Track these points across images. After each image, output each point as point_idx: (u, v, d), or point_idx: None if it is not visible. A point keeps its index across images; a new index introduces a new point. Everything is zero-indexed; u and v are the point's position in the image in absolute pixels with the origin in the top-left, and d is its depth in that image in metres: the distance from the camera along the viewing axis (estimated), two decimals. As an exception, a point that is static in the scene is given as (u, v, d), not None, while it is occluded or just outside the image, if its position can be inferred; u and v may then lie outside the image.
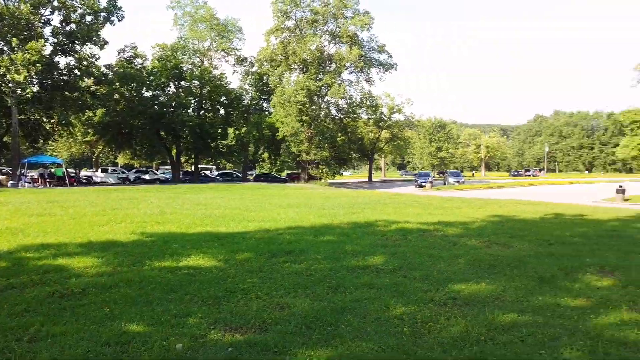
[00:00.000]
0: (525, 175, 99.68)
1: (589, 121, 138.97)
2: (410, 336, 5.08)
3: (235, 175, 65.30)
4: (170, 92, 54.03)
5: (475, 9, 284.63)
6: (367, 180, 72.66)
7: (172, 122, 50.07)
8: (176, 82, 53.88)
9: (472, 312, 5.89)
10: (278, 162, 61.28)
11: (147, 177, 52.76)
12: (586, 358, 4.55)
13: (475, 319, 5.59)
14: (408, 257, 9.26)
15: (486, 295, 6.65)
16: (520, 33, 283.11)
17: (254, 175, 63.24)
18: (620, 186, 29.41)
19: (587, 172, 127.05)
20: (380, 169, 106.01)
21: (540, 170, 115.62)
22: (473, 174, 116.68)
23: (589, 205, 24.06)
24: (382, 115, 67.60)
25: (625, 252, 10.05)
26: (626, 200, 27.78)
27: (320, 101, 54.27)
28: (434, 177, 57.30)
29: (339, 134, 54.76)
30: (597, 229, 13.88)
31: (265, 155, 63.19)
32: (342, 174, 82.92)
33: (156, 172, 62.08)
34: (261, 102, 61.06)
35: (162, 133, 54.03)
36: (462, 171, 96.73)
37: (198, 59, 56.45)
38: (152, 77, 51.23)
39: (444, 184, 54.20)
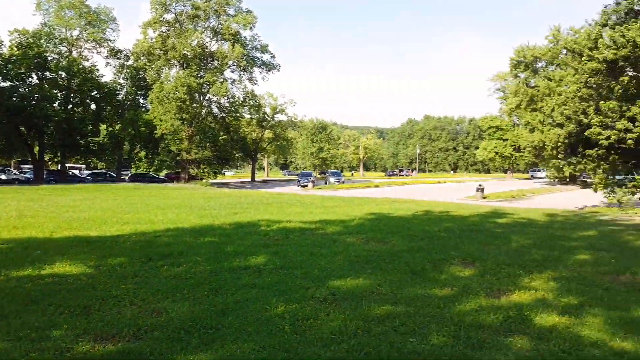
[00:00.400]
0: (400, 175, 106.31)
1: (454, 125, 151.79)
2: (292, 334, 5.13)
3: (108, 175, 61.05)
4: (32, 84, 48.86)
5: (360, 12, 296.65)
6: (250, 180, 72.25)
7: (34, 117, 45.24)
8: (39, 73, 48.83)
9: (350, 306, 6.11)
10: (156, 162, 58.43)
11: (3, 176, 47.30)
12: (450, 342, 4.95)
13: (353, 313, 5.82)
14: (290, 255, 9.36)
15: (363, 289, 6.94)
16: (398, 38, 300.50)
17: (130, 175, 59.58)
18: (480, 185, 32.59)
19: (452, 172, 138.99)
20: (264, 168, 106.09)
21: (412, 171, 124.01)
22: (352, 173, 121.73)
23: (454, 203, 26.31)
24: (265, 115, 67.64)
25: (484, 244, 11.14)
26: (484, 197, 30.81)
27: (201, 99, 52.77)
28: (315, 176, 58.70)
29: (221, 133, 53.63)
30: (461, 224, 15.22)
31: (142, 154, 59.89)
32: (224, 173, 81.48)
33: (16, 171, 55.88)
34: (137, 97, 57.78)
35: (22, 128, 48.64)
36: (342, 171, 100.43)
37: (66, 49, 51.78)
38: (9, 66, 45.94)
39: (325, 183, 55.70)
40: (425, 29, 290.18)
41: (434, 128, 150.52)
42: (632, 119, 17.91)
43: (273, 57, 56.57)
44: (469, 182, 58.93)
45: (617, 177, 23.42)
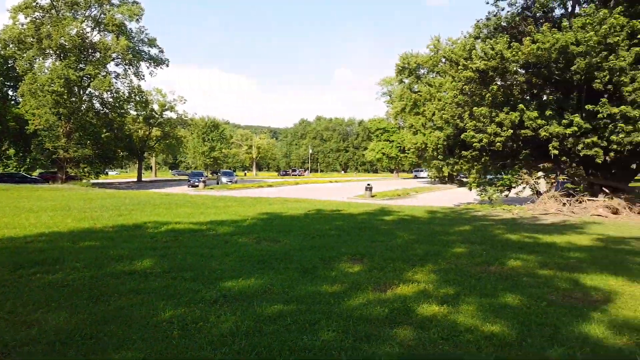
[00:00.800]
0: (293, 175, 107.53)
1: (345, 127, 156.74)
2: (180, 339, 4.95)
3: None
4: None
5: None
6: (136, 180, 68.61)
7: None
8: None
9: (241, 307, 6.04)
10: (28, 160, 53.27)
11: None
12: (340, 336, 5.09)
13: (245, 314, 5.75)
14: (179, 258, 9.03)
15: (255, 289, 6.90)
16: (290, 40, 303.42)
17: (-6, 175, 53.70)
18: (369, 184, 34.03)
19: (343, 172, 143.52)
20: (151, 168, 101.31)
21: (305, 170, 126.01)
22: (245, 173, 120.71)
23: (344, 202, 27.15)
24: (153, 112, 64.69)
25: (372, 240, 11.63)
26: (373, 196, 32.21)
27: (81, 93, 48.99)
28: (207, 176, 57.30)
29: (104, 130, 50.16)
30: (351, 222, 15.75)
31: (11, 151, 54.28)
32: (107, 173, 76.58)
33: None
34: (5, 89, 52.23)
35: None
36: (234, 171, 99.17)
37: None
38: None
39: (217, 183, 54.63)
40: (320, 32, 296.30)
41: (325, 129, 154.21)
42: (500, 124, 19.77)
43: (161, 51, 54.38)
44: (359, 182, 61.22)
45: (488, 176, 25.77)
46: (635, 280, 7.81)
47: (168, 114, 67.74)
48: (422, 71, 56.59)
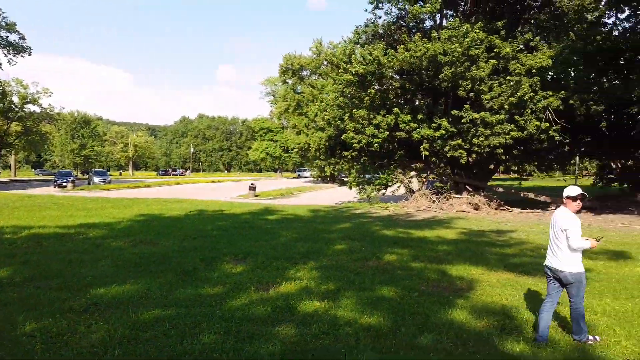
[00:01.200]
0: (173, 175, 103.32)
1: (228, 126, 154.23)
2: (43, 353, 4.52)
3: None
4: None
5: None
6: (-9, 180, 61.24)
7: None
8: None
9: (115, 314, 5.67)
10: None
11: None
12: (222, 338, 5.00)
13: (119, 321, 5.41)
14: (43, 265, 8.24)
15: (131, 295, 6.52)
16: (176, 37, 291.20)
17: None
18: (252, 184, 33.86)
19: (226, 171, 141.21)
20: (10, 167, 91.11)
21: (186, 170, 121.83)
22: (120, 173, 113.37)
23: (227, 202, 26.73)
24: (12, 105, 58.17)
25: (255, 240, 11.59)
26: (257, 196, 32.10)
27: None
28: (77, 176, 52.89)
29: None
30: (233, 222, 15.55)
31: None
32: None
33: None
34: None
35: None
36: (108, 170, 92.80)
37: None
38: None
39: (89, 183, 50.66)
40: (201, 27, 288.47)
41: (208, 127, 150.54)
42: (377, 126, 20.83)
43: (22, 38, 49.04)
44: (242, 182, 60.67)
45: (367, 176, 27.02)
46: (492, 268, 8.69)
47: (31, 108, 61.38)
48: (305, 72, 57.60)
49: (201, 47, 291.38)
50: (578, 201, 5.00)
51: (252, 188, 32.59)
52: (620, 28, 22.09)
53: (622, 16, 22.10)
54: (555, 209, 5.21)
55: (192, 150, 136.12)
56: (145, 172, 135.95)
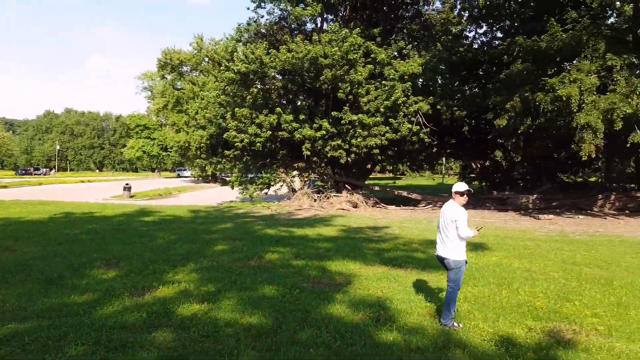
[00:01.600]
0: (35, 174, 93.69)
1: (100, 122, 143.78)
2: None
3: None
4: None
5: None
6: None
7: None
8: None
9: (-39, 332, 5.00)
10: None
11: None
12: (90, 349, 4.64)
13: (-34, 339, 4.78)
14: None
15: (-19, 309, 5.80)
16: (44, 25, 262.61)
17: None
18: (127, 184, 31.94)
19: (98, 170, 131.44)
20: None
21: (51, 169, 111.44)
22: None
23: (99, 203, 24.94)
24: None
25: (129, 243, 10.94)
26: (132, 196, 30.37)
27: None
28: None
29: None
30: (105, 225, 14.54)
31: None
32: None
33: None
34: None
35: None
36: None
37: None
38: None
39: None
40: (64, 12, 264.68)
41: (76, 123, 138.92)
42: (260, 125, 20.81)
43: None
44: (116, 181, 56.99)
45: (250, 175, 26.89)
46: (369, 263, 9.12)
47: None
48: (185, 68, 55.67)
49: (65, 35, 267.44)
50: (465, 196, 5.65)
51: (127, 188, 30.76)
52: (479, 42, 24.53)
53: (481, 31, 24.56)
54: (443, 204, 5.80)
55: (58, 147, 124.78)
56: (1, 172, 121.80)
